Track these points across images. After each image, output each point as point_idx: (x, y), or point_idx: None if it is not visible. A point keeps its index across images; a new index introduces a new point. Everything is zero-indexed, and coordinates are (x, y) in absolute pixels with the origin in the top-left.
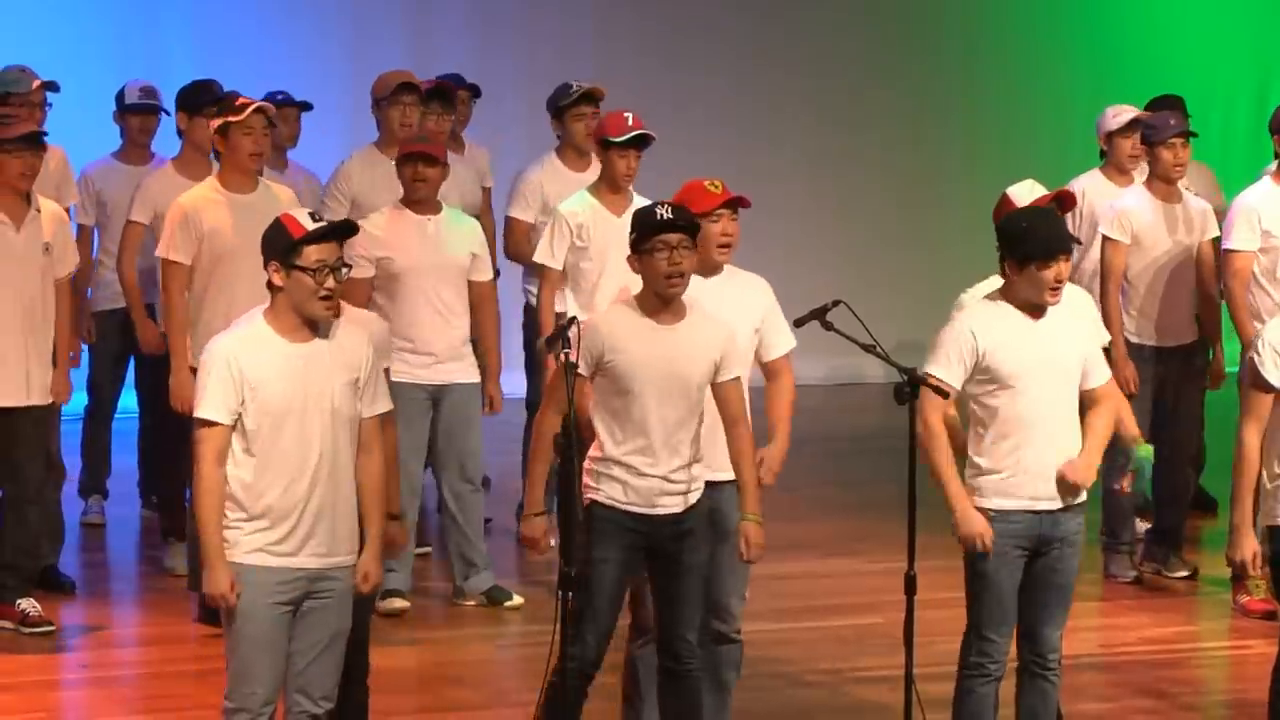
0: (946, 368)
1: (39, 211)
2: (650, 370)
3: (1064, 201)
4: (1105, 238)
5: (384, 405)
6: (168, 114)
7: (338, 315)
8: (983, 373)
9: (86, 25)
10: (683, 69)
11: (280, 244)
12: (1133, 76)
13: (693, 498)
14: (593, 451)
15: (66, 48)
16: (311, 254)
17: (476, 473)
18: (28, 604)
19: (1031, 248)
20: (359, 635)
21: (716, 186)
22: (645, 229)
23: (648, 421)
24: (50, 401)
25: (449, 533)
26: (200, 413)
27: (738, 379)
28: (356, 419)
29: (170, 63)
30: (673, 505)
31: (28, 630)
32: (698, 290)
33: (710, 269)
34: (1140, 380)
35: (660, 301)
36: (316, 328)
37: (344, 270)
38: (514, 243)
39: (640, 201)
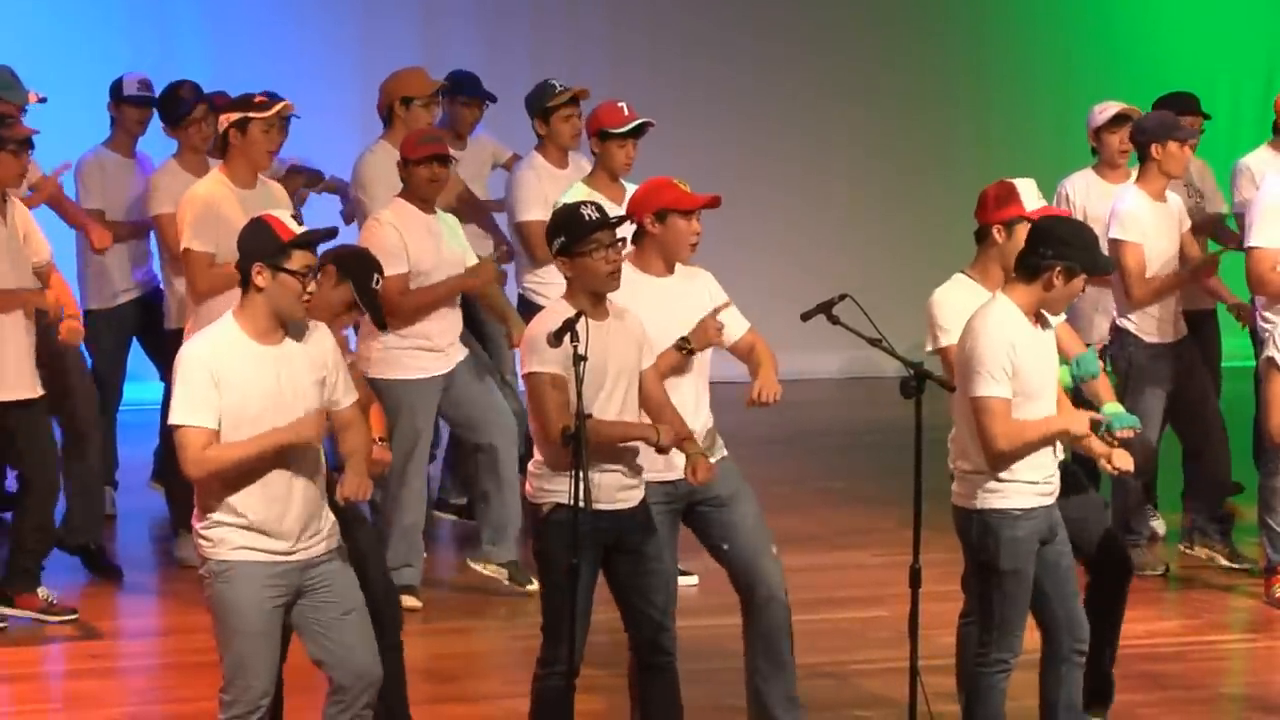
0: (1001, 384)
1: (12, 204)
2: (598, 366)
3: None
4: (1120, 241)
5: (353, 395)
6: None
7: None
8: (1012, 381)
9: (99, 20)
10: (691, 53)
11: (267, 245)
12: (1139, 61)
13: (641, 491)
14: (542, 457)
15: (78, 42)
16: (299, 258)
17: (514, 428)
18: (45, 592)
19: (1101, 262)
20: (381, 598)
21: (687, 186)
22: (579, 230)
23: (602, 415)
24: (39, 395)
25: (490, 495)
26: (183, 419)
27: (653, 364)
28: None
29: (181, 60)
30: (631, 499)
31: (54, 619)
32: (658, 290)
33: (668, 268)
34: (1160, 379)
35: (595, 299)
36: (287, 328)
37: (317, 274)
38: (542, 246)
39: (633, 190)
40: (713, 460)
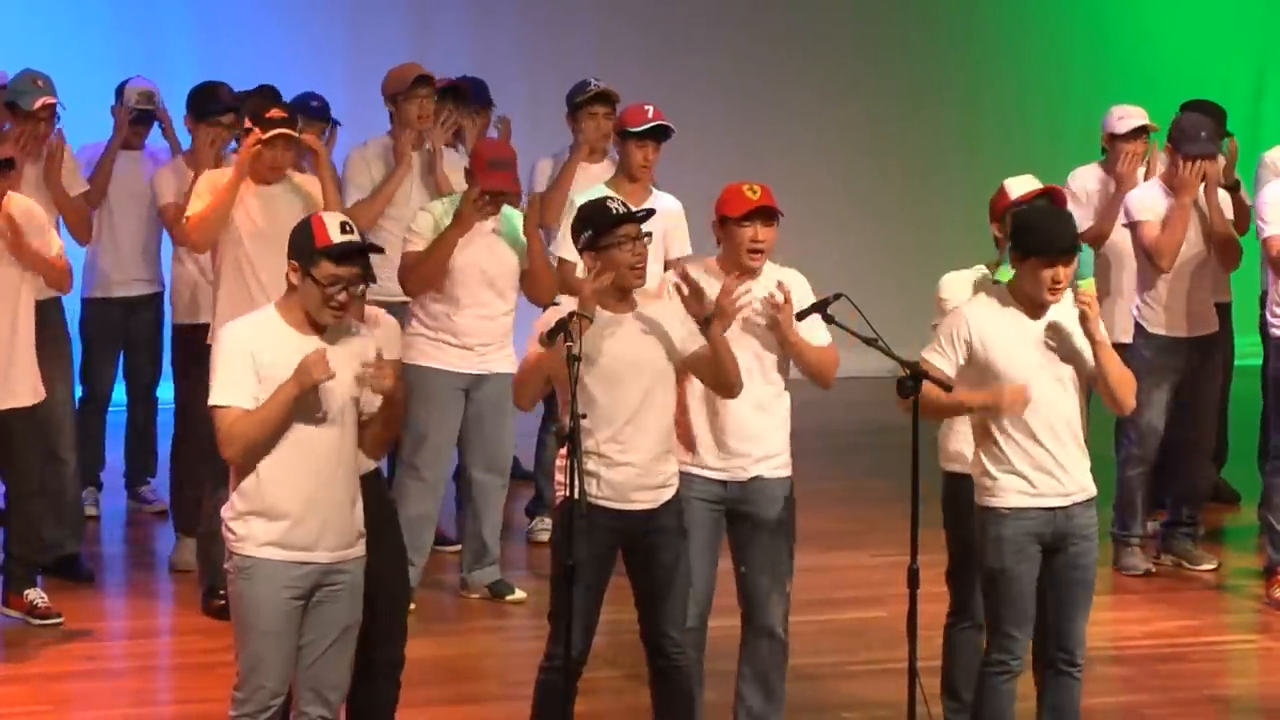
0: (939, 355)
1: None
2: (611, 359)
3: (1054, 198)
4: (1135, 223)
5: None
6: (160, 120)
7: (357, 317)
8: (980, 367)
9: (87, 16)
10: (681, 50)
11: (303, 246)
12: (1130, 60)
13: (666, 494)
14: (562, 450)
15: (66, 38)
16: (328, 268)
17: (505, 465)
18: (35, 595)
19: (1035, 243)
20: (391, 629)
21: (755, 192)
22: (601, 225)
23: (613, 409)
24: (39, 401)
25: (465, 520)
26: (219, 399)
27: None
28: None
29: (169, 55)
30: (646, 500)
31: (37, 621)
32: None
33: (743, 274)
34: (1163, 371)
35: (619, 293)
36: (324, 329)
37: (360, 287)
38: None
39: (658, 193)
40: (772, 476)
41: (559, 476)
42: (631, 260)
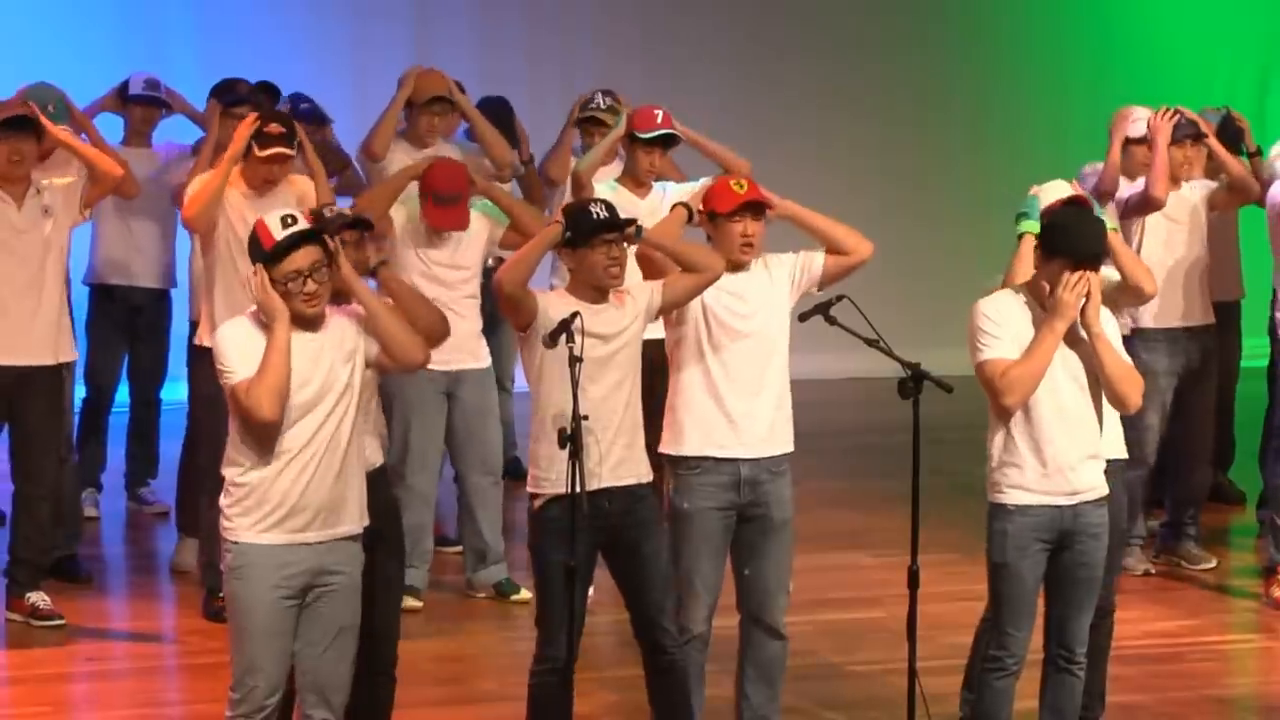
0: (997, 341)
1: (39, 191)
2: (589, 349)
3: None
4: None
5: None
6: (168, 108)
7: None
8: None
9: (89, 16)
10: (685, 53)
11: (256, 253)
12: (1134, 67)
13: (643, 475)
14: (536, 448)
15: (69, 37)
16: (281, 266)
17: (497, 464)
18: (38, 597)
19: (1064, 245)
20: (387, 626)
21: (741, 186)
22: (581, 229)
23: (591, 401)
24: (64, 361)
25: (465, 523)
26: (244, 374)
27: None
28: (363, 395)
29: (172, 55)
30: (626, 476)
31: (38, 624)
32: (727, 284)
33: (736, 267)
34: (1161, 372)
35: (598, 293)
36: (305, 321)
37: (324, 270)
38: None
39: (662, 183)
40: (776, 485)
41: (534, 470)
42: (606, 262)
